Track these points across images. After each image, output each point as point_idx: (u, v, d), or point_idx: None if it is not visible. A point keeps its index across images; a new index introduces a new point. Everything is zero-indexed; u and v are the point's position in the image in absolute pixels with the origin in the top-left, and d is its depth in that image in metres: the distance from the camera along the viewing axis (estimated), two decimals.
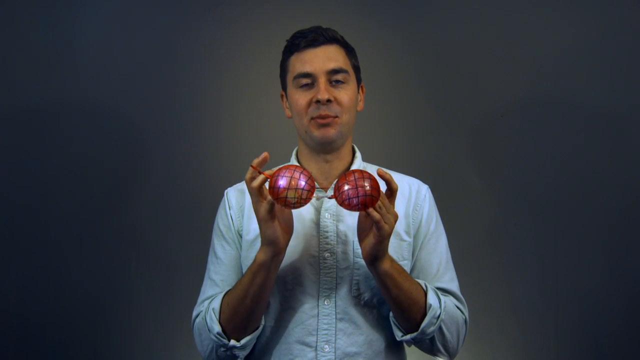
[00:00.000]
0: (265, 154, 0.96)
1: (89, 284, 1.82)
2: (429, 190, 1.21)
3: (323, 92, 1.08)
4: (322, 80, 1.09)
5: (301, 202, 0.94)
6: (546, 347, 1.81)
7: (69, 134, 1.84)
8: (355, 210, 0.94)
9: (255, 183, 0.95)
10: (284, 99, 1.20)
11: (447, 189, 1.71)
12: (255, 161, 0.96)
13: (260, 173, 0.95)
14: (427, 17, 1.88)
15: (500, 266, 1.83)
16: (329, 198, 1.01)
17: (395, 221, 0.97)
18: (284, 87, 1.19)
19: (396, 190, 0.97)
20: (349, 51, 1.15)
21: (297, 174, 0.94)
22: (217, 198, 1.25)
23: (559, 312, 1.81)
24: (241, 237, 1.16)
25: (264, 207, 0.95)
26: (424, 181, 1.23)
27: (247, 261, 1.11)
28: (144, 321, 1.82)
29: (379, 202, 0.94)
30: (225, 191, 1.21)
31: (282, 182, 0.93)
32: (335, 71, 1.10)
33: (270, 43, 1.82)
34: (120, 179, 1.85)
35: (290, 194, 0.93)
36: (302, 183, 0.93)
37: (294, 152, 1.22)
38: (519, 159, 1.84)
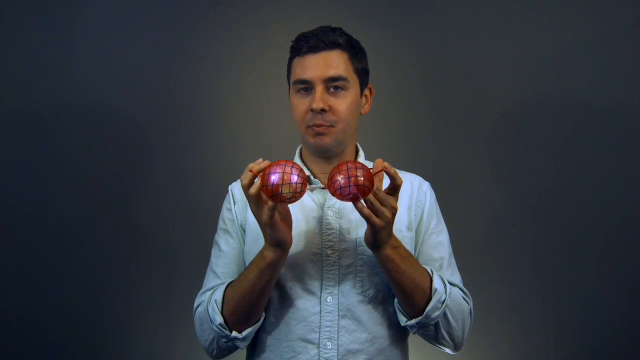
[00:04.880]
0: (261, 160, 0.96)
1: (89, 284, 1.81)
2: (431, 187, 1.21)
3: (318, 102, 1.08)
4: (318, 89, 1.09)
5: (296, 196, 0.93)
6: (546, 347, 1.81)
7: (69, 134, 1.84)
8: (347, 200, 0.94)
9: (254, 190, 0.95)
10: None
11: (448, 189, 1.71)
12: (256, 167, 0.95)
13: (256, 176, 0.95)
14: (428, 18, 1.89)
15: (501, 266, 1.83)
16: (322, 189, 1.01)
17: (394, 214, 0.97)
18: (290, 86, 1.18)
19: (400, 186, 0.97)
20: (354, 55, 1.13)
21: (288, 169, 0.93)
22: (217, 198, 1.25)
23: (559, 312, 1.81)
24: (244, 231, 1.16)
25: (266, 213, 0.95)
26: (425, 180, 1.22)
27: (251, 255, 1.12)
28: (144, 321, 1.82)
29: (371, 197, 0.94)
30: (230, 187, 1.22)
31: (274, 179, 0.92)
32: (333, 79, 1.09)
33: (270, 43, 1.84)
34: (120, 180, 1.85)
35: (285, 190, 0.92)
36: (295, 177, 0.92)
37: (297, 151, 1.22)
38: (519, 159, 1.85)
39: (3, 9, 1.84)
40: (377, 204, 0.95)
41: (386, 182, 1.00)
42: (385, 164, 0.96)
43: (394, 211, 0.97)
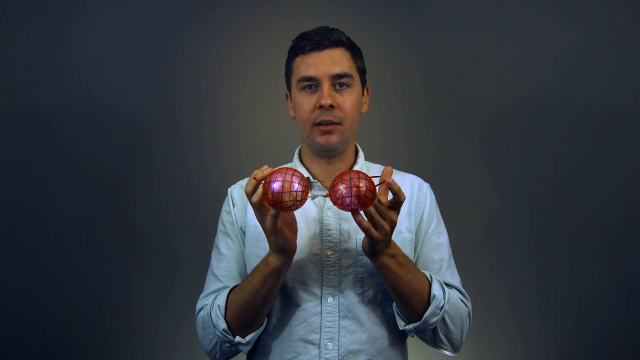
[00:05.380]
0: (266, 167, 0.96)
1: (89, 284, 1.81)
2: (430, 188, 1.21)
3: (326, 97, 1.08)
4: (326, 86, 1.09)
5: (297, 204, 0.93)
6: (546, 347, 1.81)
7: (69, 135, 1.84)
8: (348, 210, 0.93)
9: (256, 198, 0.94)
10: (289, 99, 1.20)
11: (448, 189, 1.71)
12: (260, 175, 0.94)
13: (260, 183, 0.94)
14: (429, 18, 1.89)
15: (500, 266, 1.83)
16: (324, 197, 1.01)
17: (393, 228, 0.97)
18: (289, 87, 1.18)
19: (402, 202, 0.96)
20: (355, 53, 1.15)
21: (289, 177, 0.93)
22: (218, 198, 1.25)
23: (559, 312, 1.81)
24: (244, 233, 1.16)
25: (270, 221, 0.95)
26: (425, 181, 1.23)
27: (251, 257, 1.13)
28: (144, 321, 1.82)
29: (371, 209, 0.94)
30: (229, 189, 1.22)
31: (276, 187, 0.92)
32: (339, 76, 1.10)
33: (270, 43, 1.84)
34: (120, 180, 1.85)
35: (286, 198, 0.92)
36: (296, 185, 0.92)
37: (296, 152, 1.22)
38: (519, 159, 1.85)
39: (3, 9, 1.83)
40: (377, 217, 0.95)
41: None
42: (390, 180, 0.94)
43: (393, 225, 0.97)
